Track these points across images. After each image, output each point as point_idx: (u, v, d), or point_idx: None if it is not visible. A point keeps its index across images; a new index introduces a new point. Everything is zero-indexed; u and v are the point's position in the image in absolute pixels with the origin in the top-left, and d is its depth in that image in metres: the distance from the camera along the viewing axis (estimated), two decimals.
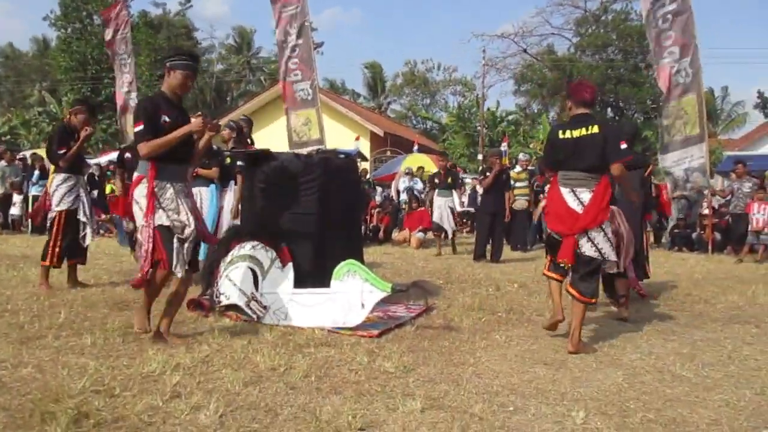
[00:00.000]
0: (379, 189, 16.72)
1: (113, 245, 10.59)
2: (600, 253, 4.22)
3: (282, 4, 11.92)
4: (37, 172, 13.10)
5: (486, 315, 5.26)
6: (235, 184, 6.41)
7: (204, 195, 6.39)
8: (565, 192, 4.28)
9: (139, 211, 4.01)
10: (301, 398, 3.08)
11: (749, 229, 10.99)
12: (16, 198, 13.78)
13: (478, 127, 30.72)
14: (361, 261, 5.20)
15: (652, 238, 12.71)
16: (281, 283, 4.82)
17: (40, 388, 3.04)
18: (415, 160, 18.49)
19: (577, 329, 4.15)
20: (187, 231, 3.97)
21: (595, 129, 4.20)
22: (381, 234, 13.31)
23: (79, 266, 6.35)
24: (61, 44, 31.77)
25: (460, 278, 7.64)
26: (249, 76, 44.65)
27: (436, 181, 11.44)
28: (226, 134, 6.70)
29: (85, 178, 6.56)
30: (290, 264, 4.89)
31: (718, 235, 12.39)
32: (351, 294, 4.57)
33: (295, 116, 12.26)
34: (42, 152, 12.12)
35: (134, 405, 2.87)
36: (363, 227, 11.47)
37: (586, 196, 4.20)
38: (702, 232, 12.64)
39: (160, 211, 3.94)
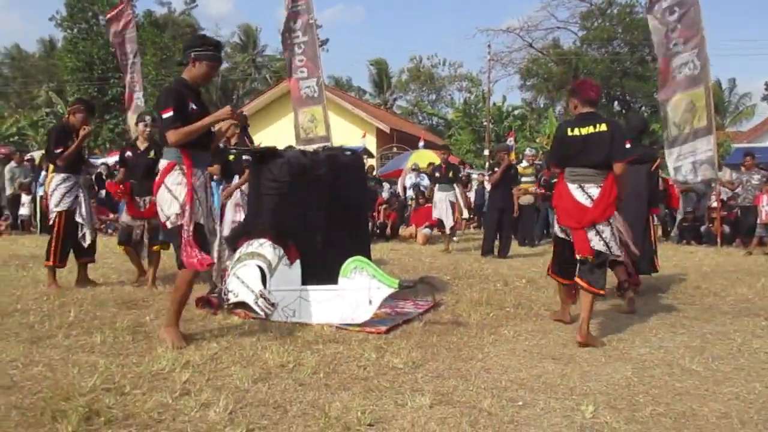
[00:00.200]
0: (386, 185, 16.71)
1: None
2: (608, 246, 4.30)
3: (290, 1, 11.94)
4: (44, 173, 13.16)
5: (494, 310, 5.26)
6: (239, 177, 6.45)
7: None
8: (573, 188, 4.38)
9: (172, 200, 3.91)
10: (310, 394, 3.09)
11: (758, 221, 10.92)
12: (25, 198, 13.87)
13: (484, 123, 30.66)
14: (369, 257, 5.20)
15: (660, 232, 12.67)
16: (289, 280, 4.83)
17: (51, 387, 3.05)
18: (421, 156, 18.47)
19: (585, 321, 4.20)
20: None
21: (603, 127, 4.32)
22: (388, 230, 13.31)
23: (89, 265, 6.38)
24: (68, 45, 31.89)
25: (468, 274, 7.63)
26: (254, 74, 44.72)
27: (437, 175, 11.13)
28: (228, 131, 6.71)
29: (93, 177, 6.61)
30: (298, 261, 4.89)
31: (726, 228, 12.33)
32: (359, 290, 4.58)
33: (302, 113, 12.30)
34: None
35: (144, 402, 2.88)
36: (370, 224, 11.45)
37: (594, 191, 4.31)
38: (710, 225, 12.59)
39: (197, 202, 3.91)
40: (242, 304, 4.87)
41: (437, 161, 16.94)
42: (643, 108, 33.36)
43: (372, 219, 12.73)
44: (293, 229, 5.01)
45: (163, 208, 3.98)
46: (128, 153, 6.38)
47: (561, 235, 4.63)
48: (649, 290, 6.35)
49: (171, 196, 3.91)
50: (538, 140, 26.88)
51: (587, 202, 4.30)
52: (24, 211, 13.90)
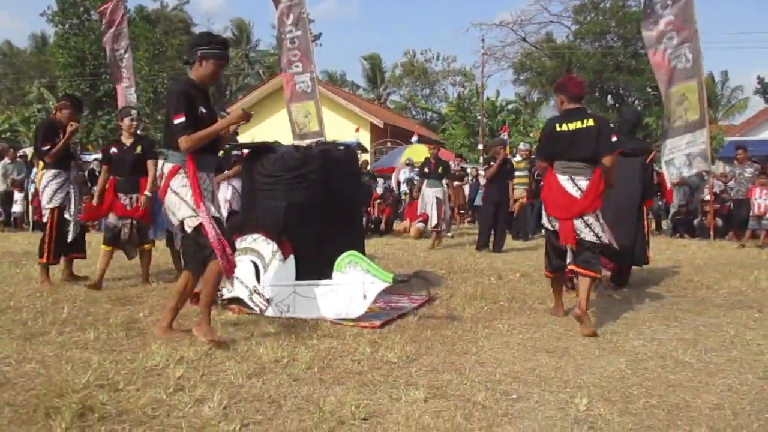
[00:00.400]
0: (380, 180, 16.72)
1: None
2: (597, 237, 4.49)
3: None
4: (35, 170, 13.10)
5: (488, 304, 5.27)
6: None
7: None
8: (563, 179, 4.54)
9: (179, 202, 3.82)
10: (305, 389, 3.09)
11: (751, 214, 10.98)
12: (18, 196, 13.79)
13: (478, 117, 30.66)
14: (363, 252, 5.20)
15: (653, 225, 12.71)
16: (283, 275, 4.82)
17: (45, 384, 3.04)
18: (415, 150, 18.47)
19: (584, 300, 4.36)
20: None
21: (591, 122, 4.52)
22: (382, 225, 13.30)
23: (82, 261, 6.36)
24: (59, 40, 31.63)
25: (462, 268, 7.64)
26: (248, 69, 44.54)
27: (426, 170, 10.61)
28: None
29: (86, 174, 6.54)
30: (291, 256, 4.89)
31: (719, 221, 12.39)
32: (353, 285, 4.58)
33: (296, 108, 12.27)
34: None
35: (138, 399, 2.88)
36: (364, 219, 11.41)
37: (584, 183, 4.49)
38: (703, 218, 12.64)
39: (207, 201, 3.83)
40: (236, 300, 4.87)
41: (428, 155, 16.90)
42: (636, 102, 33.39)
43: (366, 214, 12.72)
44: (287, 224, 5.00)
45: (173, 211, 3.89)
46: (113, 149, 6.10)
47: (548, 225, 4.77)
48: (642, 283, 6.38)
49: (178, 199, 3.82)
50: (531, 134, 26.89)
51: (577, 194, 4.48)
52: (17, 208, 13.83)
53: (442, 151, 22.23)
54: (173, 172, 3.86)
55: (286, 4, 11.90)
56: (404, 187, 15.28)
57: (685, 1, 10.81)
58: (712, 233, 11.78)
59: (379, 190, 15.23)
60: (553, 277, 4.92)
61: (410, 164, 15.72)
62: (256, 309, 4.72)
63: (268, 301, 4.73)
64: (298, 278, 4.81)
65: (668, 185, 11.73)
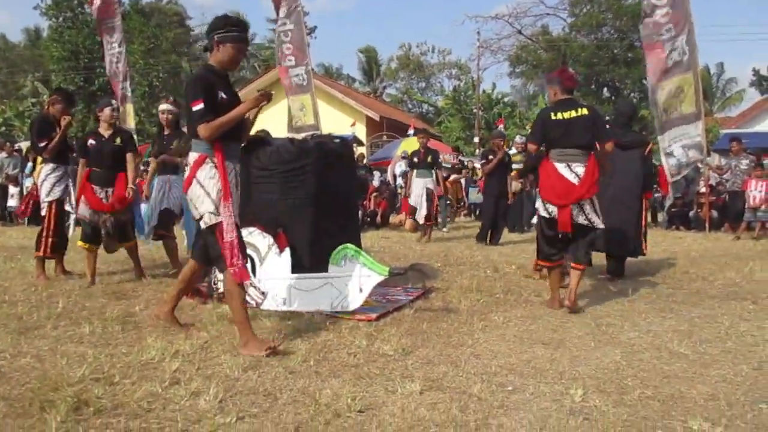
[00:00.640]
0: (376, 174, 16.70)
1: None
2: (591, 222, 4.72)
3: None
4: (30, 164, 13.06)
5: (484, 296, 5.27)
6: None
7: (174, 182, 6.24)
8: (560, 167, 4.70)
9: (203, 196, 3.63)
10: (300, 382, 3.09)
11: (746, 206, 11.00)
12: (13, 190, 13.75)
13: (474, 110, 30.64)
14: (359, 245, 5.20)
15: (649, 217, 12.74)
16: (279, 268, 4.82)
17: (40, 377, 3.04)
18: (411, 143, 18.43)
19: (574, 290, 4.66)
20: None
21: (585, 111, 4.73)
22: (378, 218, 13.29)
23: (77, 255, 6.34)
24: (53, 34, 31.47)
25: (458, 260, 7.65)
26: (243, 62, 44.37)
27: (415, 160, 10.35)
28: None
29: None
30: (287, 249, 4.88)
31: (715, 213, 12.41)
32: (349, 278, 4.58)
33: (291, 102, 12.25)
34: None
35: (134, 392, 2.87)
36: (361, 212, 11.40)
37: (580, 169, 4.67)
38: (699, 210, 12.66)
39: (233, 200, 3.63)
40: None
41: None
42: (632, 94, 33.39)
43: (363, 207, 12.71)
44: (282, 218, 4.99)
45: (196, 204, 3.70)
46: (91, 141, 5.83)
47: (544, 213, 4.86)
48: (638, 275, 6.40)
49: (203, 192, 3.63)
50: (527, 127, 26.88)
51: (575, 180, 4.65)
52: (13, 202, 13.79)
53: (439, 144, 22.30)
54: (199, 162, 3.65)
55: None
56: (400, 181, 15.24)
57: None
58: (707, 225, 11.81)
59: (376, 183, 15.22)
60: (551, 266, 4.93)
61: (406, 157, 15.68)
62: (252, 302, 4.70)
63: (263, 294, 4.72)
64: (294, 271, 4.80)
65: (669, 178, 11.74)
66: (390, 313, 4.65)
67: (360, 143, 20.06)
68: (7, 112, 32.07)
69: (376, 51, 45.07)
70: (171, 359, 3.38)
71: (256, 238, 4.88)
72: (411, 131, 21.60)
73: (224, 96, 3.66)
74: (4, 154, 14.01)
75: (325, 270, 4.69)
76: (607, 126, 4.97)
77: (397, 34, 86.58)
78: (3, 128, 30.37)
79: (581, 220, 4.69)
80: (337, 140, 5.96)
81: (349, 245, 4.70)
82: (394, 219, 13.24)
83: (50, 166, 5.97)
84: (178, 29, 37.09)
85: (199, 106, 3.55)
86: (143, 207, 6.57)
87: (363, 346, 3.71)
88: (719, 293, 5.55)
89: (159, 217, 6.26)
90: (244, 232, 4.90)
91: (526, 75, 37.14)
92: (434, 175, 10.39)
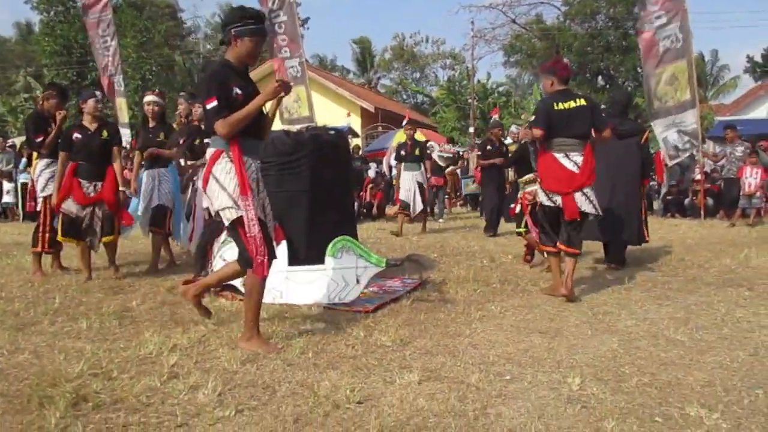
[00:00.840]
0: (372, 165, 16.67)
1: None
2: (595, 207, 4.79)
3: None
4: (24, 160, 12.99)
5: (481, 286, 5.28)
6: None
7: (164, 176, 6.28)
8: (560, 156, 4.76)
9: (219, 191, 3.52)
10: (299, 374, 3.10)
11: (741, 193, 11.03)
12: (8, 186, 13.70)
13: (469, 100, 30.57)
14: (355, 237, 5.20)
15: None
16: (275, 261, 4.80)
17: (38, 374, 3.04)
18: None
19: (570, 277, 4.70)
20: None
21: (583, 102, 4.80)
22: (374, 210, 13.28)
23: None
24: (45, 28, 31.25)
25: (455, 251, 7.66)
26: None
27: (402, 153, 10.13)
28: (183, 108, 6.52)
29: None
30: (283, 242, 4.87)
31: (710, 201, 12.44)
32: (346, 270, 4.58)
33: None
34: None
35: (132, 387, 2.88)
36: (356, 204, 11.37)
37: (578, 158, 4.74)
38: (694, 197, 12.69)
39: (252, 194, 3.53)
40: (229, 287, 4.85)
41: (422, 139, 16.87)
42: (627, 82, 33.34)
43: (358, 199, 12.70)
44: (278, 210, 4.98)
45: (212, 200, 3.64)
46: (77, 135, 5.69)
47: (547, 203, 4.87)
48: (634, 263, 6.41)
49: (219, 186, 3.54)
50: (523, 116, 26.85)
51: (574, 169, 4.72)
52: (8, 198, 13.74)
53: (434, 134, 22.27)
54: (215, 157, 3.58)
55: None
56: (395, 172, 15.21)
57: None
58: (702, 212, 11.84)
59: (371, 175, 15.20)
60: (555, 252, 4.91)
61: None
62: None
63: None
64: (290, 264, 4.80)
65: (668, 161, 11.74)
66: (387, 304, 4.66)
67: (355, 134, 19.99)
68: (0, 107, 31.86)
69: (370, 41, 44.86)
70: (169, 353, 3.38)
71: None
72: (406, 122, 21.57)
73: (239, 92, 3.55)
74: None
75: (322, 262, 4.69)
76: (603, 115, 5.07)
77: (391, 25, 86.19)
78: None
79: (589, 209, 4.76)
80: (333, 132, 5.95)
81: (345, 237, 4.70)
82: (390, 210, 13.22)
83: (45, 161, 5.95)
84: (170, 22, 36.82)
85: (212, 104, 3.48)
86: (132, 201, 6.54)
87: (361, 338, 3.72)
88: (715, 280, 5.57)
89: (152, 213, 6.25)
90: None
91: (521, 64, 37.03)
92: (422, 167, 10.18)
